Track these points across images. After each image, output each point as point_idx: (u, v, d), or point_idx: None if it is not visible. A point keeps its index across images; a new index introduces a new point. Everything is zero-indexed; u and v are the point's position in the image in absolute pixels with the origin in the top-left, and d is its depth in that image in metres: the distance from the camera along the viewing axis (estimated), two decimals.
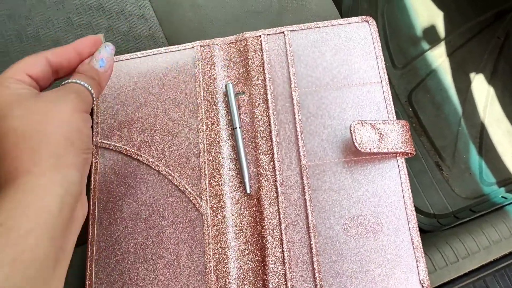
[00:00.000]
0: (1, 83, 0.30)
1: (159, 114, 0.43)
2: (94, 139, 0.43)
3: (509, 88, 0.88)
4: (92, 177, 0.41)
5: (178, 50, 0.45)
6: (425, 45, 0.90)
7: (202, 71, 0.44)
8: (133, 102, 0.43)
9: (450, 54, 0.89)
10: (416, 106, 0.86)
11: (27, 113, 0.28)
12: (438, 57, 0.89)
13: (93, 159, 0.42)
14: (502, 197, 0.78)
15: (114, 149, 0.42)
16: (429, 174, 0.82)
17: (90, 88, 0.32)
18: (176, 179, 0.40)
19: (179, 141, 0.42)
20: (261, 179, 0.40)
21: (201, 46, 0.45)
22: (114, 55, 0.37)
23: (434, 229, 0.77)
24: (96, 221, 0.40)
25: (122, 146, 0.42)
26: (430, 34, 0.90)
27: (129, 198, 0.40)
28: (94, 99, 0.33)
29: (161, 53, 0.45)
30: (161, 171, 0.41)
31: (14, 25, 0.48)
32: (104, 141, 0.42)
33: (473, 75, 0.88)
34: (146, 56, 0.45)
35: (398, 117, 0.86)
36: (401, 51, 0.89)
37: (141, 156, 0.41)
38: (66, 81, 0.32)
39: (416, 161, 0.83)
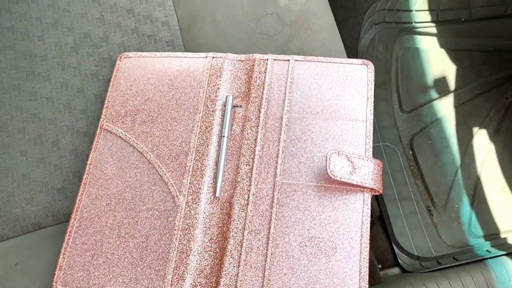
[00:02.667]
0: None
1: (162, 110, 0.47)
2: (100, 121, 0.47)
3: (510, 148, 0.90)
4: (91, 155, 0.46)
5: (193, 57, 0.49)
6: (434, 94, 0.92)
7: (208, 79, 0.48)
8: (142, 95, 0.48)
9: (457, 106, 0.92)
10: (416, 150, 0.88)
11: None
12: (444, 107, 0.92)
13: (95, 139, 0.46)
14: (486, 250, 0.79)
15: (115, 133, 0.46)
16: (418, 216, 0.84)
17: None
18: (163, 171, 0.44)
19: (173, 137, 0.46)
20: (236, 186, 0.43)
21: (213, 57, 0.49)
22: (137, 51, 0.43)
23: (414, 270, 0.79)
24: (85, 193, 0.44)
25: (123, 132, 0.46)
26: (440, 85, 0.93)
27: (118, 179, 0.44)
28: None
29: (177, 57, 0.50)
30: (152, 160, 0.45)
31: (54, 14, 0.54)
32: (109, 124, 0.47)
33: (476, 130, 0.90)
34: (164, 57, 0.50)
35: (397, 158, 0.89)
36: (410, 96, 0.92)
37: (137, 144, 0.46)
38: None
39: (408, 203, 0.85)
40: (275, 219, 0.41)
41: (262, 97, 0.46)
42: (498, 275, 0.69)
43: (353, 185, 0.41)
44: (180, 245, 0.42)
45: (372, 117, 0.45)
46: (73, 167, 0.49)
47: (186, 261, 0.41)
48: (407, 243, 0.82)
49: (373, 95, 0.46)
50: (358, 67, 0.47)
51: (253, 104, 0.46)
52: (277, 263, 0.40)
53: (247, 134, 0.45)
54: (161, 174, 0.44)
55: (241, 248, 0.41)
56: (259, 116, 0.45)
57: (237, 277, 0.40)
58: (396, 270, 0.81)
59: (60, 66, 0.52)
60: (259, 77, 0.47)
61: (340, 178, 0.40)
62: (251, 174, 0.43)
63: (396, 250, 0.82)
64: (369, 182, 0.41)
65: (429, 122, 0.91)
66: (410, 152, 0.88)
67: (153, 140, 0.46)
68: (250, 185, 0.43)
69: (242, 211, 0.42)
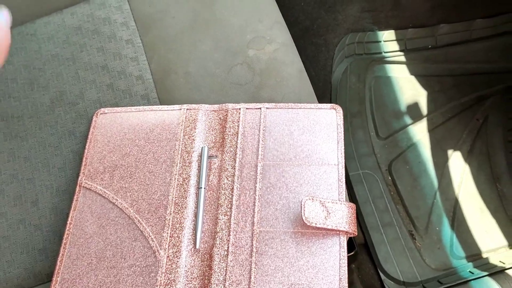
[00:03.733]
0: None
1: (140, 164, 0.48)
2: (79, 179, 0.48)
3: (484, 168, 0.92)
4: (71, 214, 0.46)
5: (167, 110, 0.51)
6: (408, 119, 0.95)
7: (183, 131, 0.49)
8: (120, 151, 0.49)
9: (431, 130, 0.94)
10: (395, 176, 0.90)
11: None
12: (419, 132, 0.94)
13: (75, 197, 0.47)
14: (469, 271, 0.80)
15: (95, 190, 0.47)
16: (402, 241, 0.85)
17: None
18: (143, 225, 0.45)
19: (152, 191, 0.46)
20: (216, 237, 0.44)
21: (187, 109, 0.50)
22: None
23: None
24: (65, 253, 0.45)
25: (102, 189, 0.47)
26: (413, 110, 0.95)
27: (98, 237, 0.45)
28: None
29: (152, 110, 0.51)
30: (131, 216, 0.45)
31: (29, 74, 0.55)
32: (87, 182, 0.48)
33: (451, 152, 0.93)
34: (139, 111, 0.51)
35: (377, 185, 0.91)
36: (385, 123, 0.94)
37: (116, 200, 0.46)
38: None
39: (390, 228, 0.86)
40: (255, 268, 0.42)
41: (236, 146, 0.47)
42: None
43: (328, 229, 0.42)
44: None
45: (343, 160, 0.46)
46: (54, 226, 0.49)
47: None
48: (392, 269, 0.83)
49: (342, 138, 0.47)
50: (327, 112, 0.49)
51: (228, 154, 0.47)
52: None
53: (224, 184, 0.46)
54: (141, 229, 0.45)
55: None
56: (234, 166, 0.46)
57: None
58: None
59: (37, 125, 0.53)
60: (233, 126, 0.48)
61: (316, 224, 0.41)
62: (230, 224, 0.44)
63: (382, 276, 0.82)
64: (343, 225, 0.42)
65: (406, 147, 0.93)
66: (389, 178, 0.90)
67: (132, 195, 0.46)
68: (229, 235, 0.43)
69: (222, 262, 0.42)
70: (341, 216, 0.42)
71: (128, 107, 0.51)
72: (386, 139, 0.95)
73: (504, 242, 0.87)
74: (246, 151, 0.47)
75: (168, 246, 0.44)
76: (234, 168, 0.46)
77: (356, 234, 0.43)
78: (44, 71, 0.55)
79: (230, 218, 0.44)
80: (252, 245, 0.43)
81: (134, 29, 0.57)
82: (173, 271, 0.43)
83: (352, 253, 0.80)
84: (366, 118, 0.96)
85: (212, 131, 0.50)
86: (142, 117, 0.50)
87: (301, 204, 0.42)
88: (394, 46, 0.98)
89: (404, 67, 0.99)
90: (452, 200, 0.90)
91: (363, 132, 0.95)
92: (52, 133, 0.53)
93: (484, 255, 0.86)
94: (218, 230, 0.44)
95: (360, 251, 0.87)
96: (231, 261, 0.42)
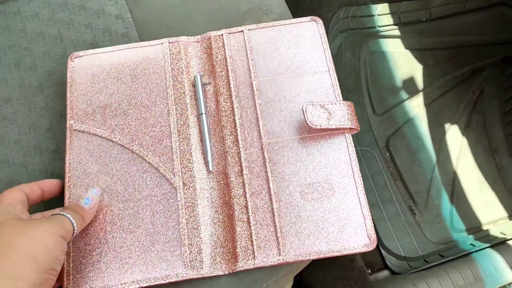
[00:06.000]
0: None
1: (132, 100, 0.47)
2: (67, 123, 0.46)
3: (481, 140, 0.92)
4: (67, 157, 0.45)
5: (149, 46, 0.50)
6: (404, 95, 0.94)
7: (171, 64, 0.48)
8: (106, 90, 0.47)
9: (427, 104, 0.94)
10: (393, 152, 0.89)
11: (6, 228, 0.33)
12: (415, 107, 0.93)
13: (67, 142, 0.45)
14: (470, 244, 0.80)
15: (88, 131, 0.45)
16: (402, 217, 0.85)
17: (73, 220, 0.37)
18: (150, 157, 0.44)
19: (151, 124, 0.45)
20: (227, 156, 0.44)
21: (169, 42, 0.49)
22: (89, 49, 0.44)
23: (403, 271, 0.80)
24: (71, 195, 0.43)
25: (96, 129, 0.45)
26: (409, 85, 0.95)
27: (104, 175, 0.43)
28: (75, 230, 0.37)
29: (131, 48, 0.50)
30: (135, 151, 0.44)
31: (15, 54, 0.53)
32: (79, 124, 0.46)
33: (448, 126, 0.92)
34: (118, 50, 0.50)
35: (376, 162, 0.90)
36: (381, 99, 0.94)
37: (115, 137, 0.45)
38: (54, 213, 0.37)
39: (390, 205, 0.85)
40: (271, 176, 0.43)
41: (227, 69, 0.47)
42: (485, 268, 0.70)
43: (333, 129, 0.44)
44: (189, 223, 0.42)
45: (333, 66, 0.48)
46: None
47: (199, 236, 0.41)
48: (393, 245, 0.82)
49: (328, 46, 0.48)
50: (308, 24, 0.50)
51: (220, 79, 0.47)
52: (285, 215, 0.42)
53: (223, 107, 0.46)
54: (149, 161, 0.44)
55: (247, 210, 0.42)
56: (229, 88, 0.47)
57: (251, 237, 0.41)
58: (385, 273, 0.82)
59: (26, 107, 0.50)
60: (219, 52, 0.49)
61: (320, 125, 0.43)
62: (238, 142, 0.44)
63: (384, 252, 0.82)
64: (346, 123, 0.44)
65: (402, 123, 0.92)
66: (387, 154, 0.89)
67: (130, 131, 0.45)
68: (239, 152, 0.44)
69: (238, 177, 0.43)
70: (342, 114, 0.44)
71: (104, 48, 0.50)
72: (382, 115, 0.94)
73: (504, 213, 0.87)
74: (238, 72, 0.47)
75: (182, 172, 0.43)
76: (230, 90, 0.47)
77: (359, 129, 0.45)
78: (31, 50, 0.53)
79: (237, 136, 0.45)
80: (264, 156, 0.44)
81: (123, 3, 0.54)
82: (191, 194, 0.43)
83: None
84: (362, 94, 0.95)
85: (199, 60, 0.49)
86: (123, 56, 0.49)
87: (302, 110, 0.43)
88: (388, 19, 0.97)
89: (398, 41, 0.98)
90: (451, 174, 0.90)
91: (359, 109, 0.94)
92: (42, 115, 0.50)
93: (485, 227, 0.86)
94: (227, 150, 0.44)
95: None
96: (246, 175, 0.43)
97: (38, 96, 0.50)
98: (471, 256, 0.74)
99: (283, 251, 0.40)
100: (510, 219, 0.86)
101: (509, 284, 0.70)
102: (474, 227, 0.85)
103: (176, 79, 0.48)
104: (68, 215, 0.37)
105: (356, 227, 0.41)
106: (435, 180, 0.88)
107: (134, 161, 0.44)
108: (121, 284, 0.40)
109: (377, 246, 0.83)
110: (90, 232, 0.42)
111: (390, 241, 0.83)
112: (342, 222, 0.41)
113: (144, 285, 0.40)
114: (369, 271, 0.82)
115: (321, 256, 0.40)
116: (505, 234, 0.80)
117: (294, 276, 0.49)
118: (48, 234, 0.34)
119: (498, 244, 0.76)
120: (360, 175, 0.43)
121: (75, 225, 0.37)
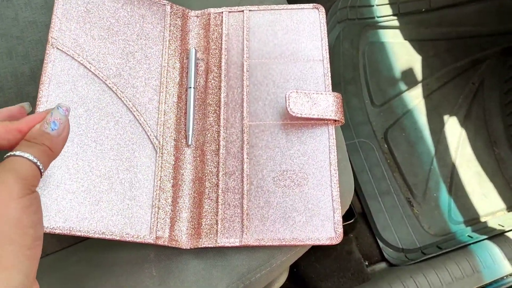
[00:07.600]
0: None
1: (127, 48, 0.45)
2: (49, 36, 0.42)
3: (481, 132, 0.91)
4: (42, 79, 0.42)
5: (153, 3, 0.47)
6: (403, 86, 0.93)
7: (170, 34, 0.47)
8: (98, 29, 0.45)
9: (426, 96, 0.93)
10: (392, 143, 0.89)
11: None
12: (414, 98, 0.93)
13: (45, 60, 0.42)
14: (468, 236, 0.80)
15: (67, 53, 0.43)
16: (400, 209, 0.84)
17: (36, 160, 0.28)
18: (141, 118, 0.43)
19: (143, 91, 0.44)
20: (206, 133, 0.44)
21: (170, 8, 0.48)
22: None
23: (400, 263, 0.79)
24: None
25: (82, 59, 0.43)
26: (408, 76, 0.94)
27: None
28: (42, 170, 0.28)
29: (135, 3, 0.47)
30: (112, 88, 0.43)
31: (7, 43, 0.52)
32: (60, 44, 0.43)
33: (447, 117, 0.92)
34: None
35: (374, 153, 0.89)
36: (380, 90, 0.93)
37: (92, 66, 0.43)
38: (6, 154, 0.28)
39: (388, 196, 0.85)
40: (247, 158, 0.43)
41: (221, 47, 0.47)
42: (483, 260, 0.70)
43: (316, 119, 0.43)
44: (161, 186, 0.41)
45: (328, 56, 0.47)
46: None
47: (168, 203, 0.41)
48: (391, 236, 0.82)
49: (326, 36, 0.48)
50: (310, 11, 0.49)
51: (213, 56, 0.47)
52: (254, 199, 0.42)
53: (211, 84, 0.46)
54: (127, 104, 0.43)
55: (218, 189, 0.42)
56: (220, 66, 0.47)
57: (217, 216, 0.41)
58: (383, 265, 0.82)
59: (18, 96, 0.50)
60: (216, 29, 0.48)
61: (301, 114, 0.42)
62: (219, 121, 0.44)
63: (381, 244, 0.82)
64: (329, 114, 0.43)
65: (401, 114, 0.91)
66: (386, 146, 0.89)
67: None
68: (219, 131, 0.44)
69: (215, 156, 0.44)
70: (326, 105, 0.43)
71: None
72: (381, 106, 0.93)
73: (502, 205, 0.87)
74: (231, 52, 0.47)
75: (162, 135, 0.43)
76: (220, 68, 0.46)
77: (344, 122, 0.44)
78: (23, 39, 0.52)
79: (220, 115, 0.45)
80: (243, 138, 0.44)
81: None
82: (168, 159, 0.43)
83: (351, 220, 0.79)
84: (360, 85, 0.94)
85: (196, 35, 0.49)
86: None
87: (285, 97, 0.43)
88: (387, 10, 0.96)
89: (397, 32, 0.97)
90: (449, 166, 0.90)
91: (358, 100, 0.93)
92: (34, 104, 0.50)
93: (483, 219, 0.86)
94: (208, 127, 0.45)
95: (358, 220, 0.86)
96: (223, 154, 0.43)
97: (30, 85, 0.50)
98: (469, 248, 0.74)
99: (246, 234, 0.41)
100: (509, 211, 0.86)
101: (506, 275, 0.70)
102: (472, 219, 0.85)
103: (174, 52, 0.47)
104: (27, 155, 0.28)
105: (324, 219, 0.41)
106: (433, 172, 0.88)
107: (114, 102, 0.42)
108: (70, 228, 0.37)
109: (375, 238, 0.83)
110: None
111: (388, 233, 0.82)
112: (310, 213, 0.41)
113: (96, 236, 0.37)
114: (367, 263, 0.82)
115: (283, 243, 0.41)
116: (503, 226, 0.79)
117: (288, 267, 0.49)
118: (11, 202, 0.25)
119: (496, 236, 0.76)
120: (337, 168, 0.43)
121: (40, 165, 0.28)
